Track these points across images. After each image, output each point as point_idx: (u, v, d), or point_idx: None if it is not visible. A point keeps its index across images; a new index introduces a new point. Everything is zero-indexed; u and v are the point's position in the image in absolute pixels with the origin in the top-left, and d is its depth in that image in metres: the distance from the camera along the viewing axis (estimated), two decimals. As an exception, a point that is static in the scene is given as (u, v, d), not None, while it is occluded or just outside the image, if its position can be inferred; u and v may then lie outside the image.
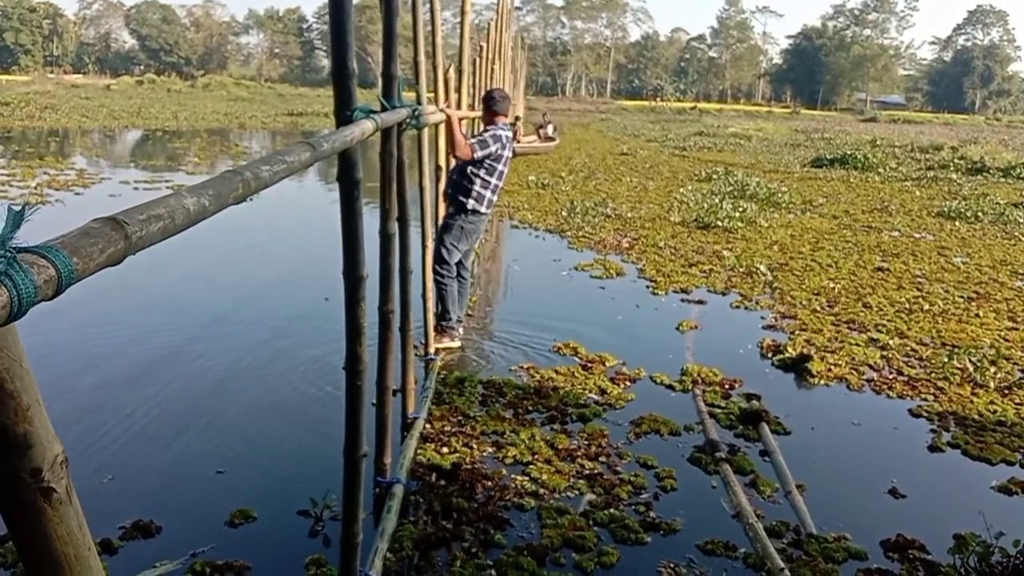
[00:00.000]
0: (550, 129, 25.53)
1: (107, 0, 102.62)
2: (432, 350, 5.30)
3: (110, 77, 76.72)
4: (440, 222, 5.89)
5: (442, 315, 5.74)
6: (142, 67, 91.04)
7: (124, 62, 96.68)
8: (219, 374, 5.08)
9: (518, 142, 20.14)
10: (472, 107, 7.38)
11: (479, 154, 5.46)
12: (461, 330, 5.90)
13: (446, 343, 5.70)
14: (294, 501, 3.48)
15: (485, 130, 5.74)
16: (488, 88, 7.84)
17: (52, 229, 0.82)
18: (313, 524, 3.37)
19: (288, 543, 3.26)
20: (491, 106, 5.72)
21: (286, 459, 4.01)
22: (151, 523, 3.25)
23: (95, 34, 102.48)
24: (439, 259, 5.62)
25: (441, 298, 5.68)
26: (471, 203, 5.60)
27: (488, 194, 5.64)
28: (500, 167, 5.63)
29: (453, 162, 5.88)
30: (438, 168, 5.98)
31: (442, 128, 5.74)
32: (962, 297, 7.68)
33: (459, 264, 5.85)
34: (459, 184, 5.64)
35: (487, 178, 5.60)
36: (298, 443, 4.19)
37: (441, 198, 6.06)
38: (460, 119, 5.66)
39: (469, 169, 5.59)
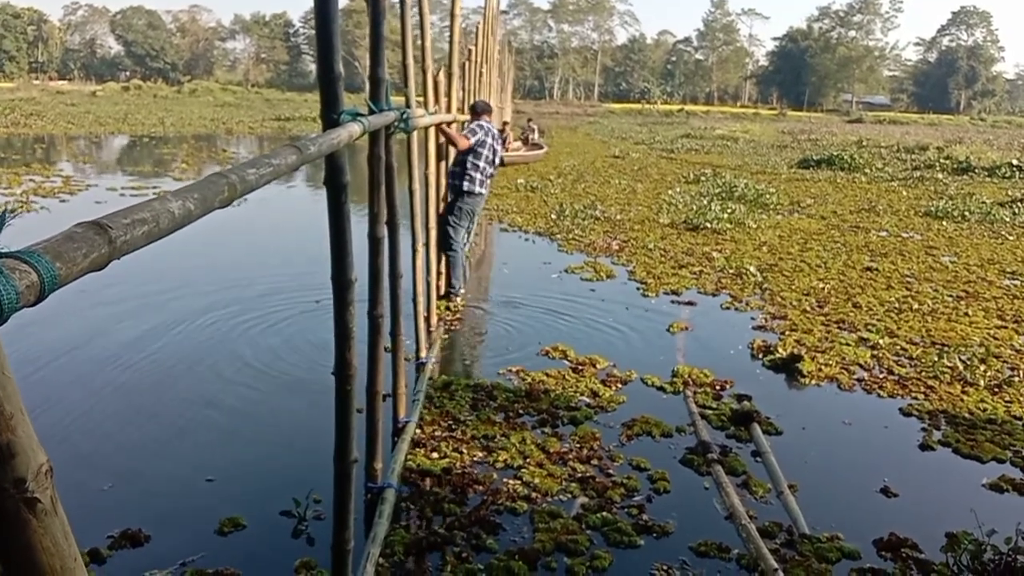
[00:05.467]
0: (535, 135, 24.64)
1: (92, 6, 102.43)
2: (433, 333, 5.69)
3: (96, 83, 76.28)
4: (440, 212, 6.91)
5: (449, 284, 7.09)
6: (128, 73, 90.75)
7: (110, 68, 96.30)
8: (208, 381, 5.05)
9: (507, 150, 19.84)
10: (461, 110, 7.83)
11: (473, 140, 7.00)
12: (460, 299, 7.06)
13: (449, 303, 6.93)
14: (284, 507, 3.46)
15: (470, 123, 7.25)
16: (476, 93, 9.33)
17: (36, 236, 0.80)
18: (296, 524, 3.35)
19: (278, 550, 3.23)
20: (477, 111, 7.39)
21: (277, 466, 3.98)
22: (140, 532, 3.21)
23: (80, 40, 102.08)
24: (446, 236, 7.02)
25: (451, 265, 7.07)
26: (466, 184, 7.09)
27: (478, 175, 7.11)
28: (485, 151, 7.13)
29: (450, 161, 7.19)
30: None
31: (431, 132, 5.90)
32: (951, 296, 7.72)
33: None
34: (455, 173, 7.14)
35: (476, 161, 7.09)
36: (290, 449, 4.16)
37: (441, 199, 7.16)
38: (448, 123, 6.75)
39: (460, 159, 7.10)
